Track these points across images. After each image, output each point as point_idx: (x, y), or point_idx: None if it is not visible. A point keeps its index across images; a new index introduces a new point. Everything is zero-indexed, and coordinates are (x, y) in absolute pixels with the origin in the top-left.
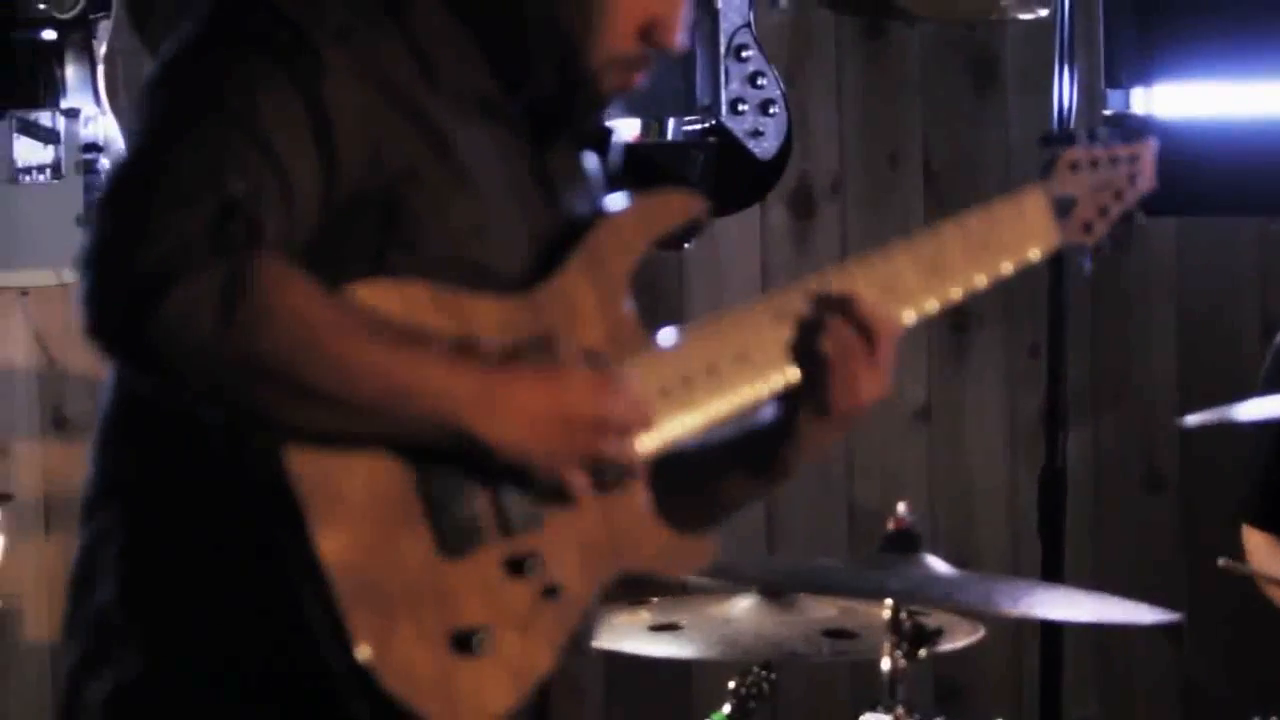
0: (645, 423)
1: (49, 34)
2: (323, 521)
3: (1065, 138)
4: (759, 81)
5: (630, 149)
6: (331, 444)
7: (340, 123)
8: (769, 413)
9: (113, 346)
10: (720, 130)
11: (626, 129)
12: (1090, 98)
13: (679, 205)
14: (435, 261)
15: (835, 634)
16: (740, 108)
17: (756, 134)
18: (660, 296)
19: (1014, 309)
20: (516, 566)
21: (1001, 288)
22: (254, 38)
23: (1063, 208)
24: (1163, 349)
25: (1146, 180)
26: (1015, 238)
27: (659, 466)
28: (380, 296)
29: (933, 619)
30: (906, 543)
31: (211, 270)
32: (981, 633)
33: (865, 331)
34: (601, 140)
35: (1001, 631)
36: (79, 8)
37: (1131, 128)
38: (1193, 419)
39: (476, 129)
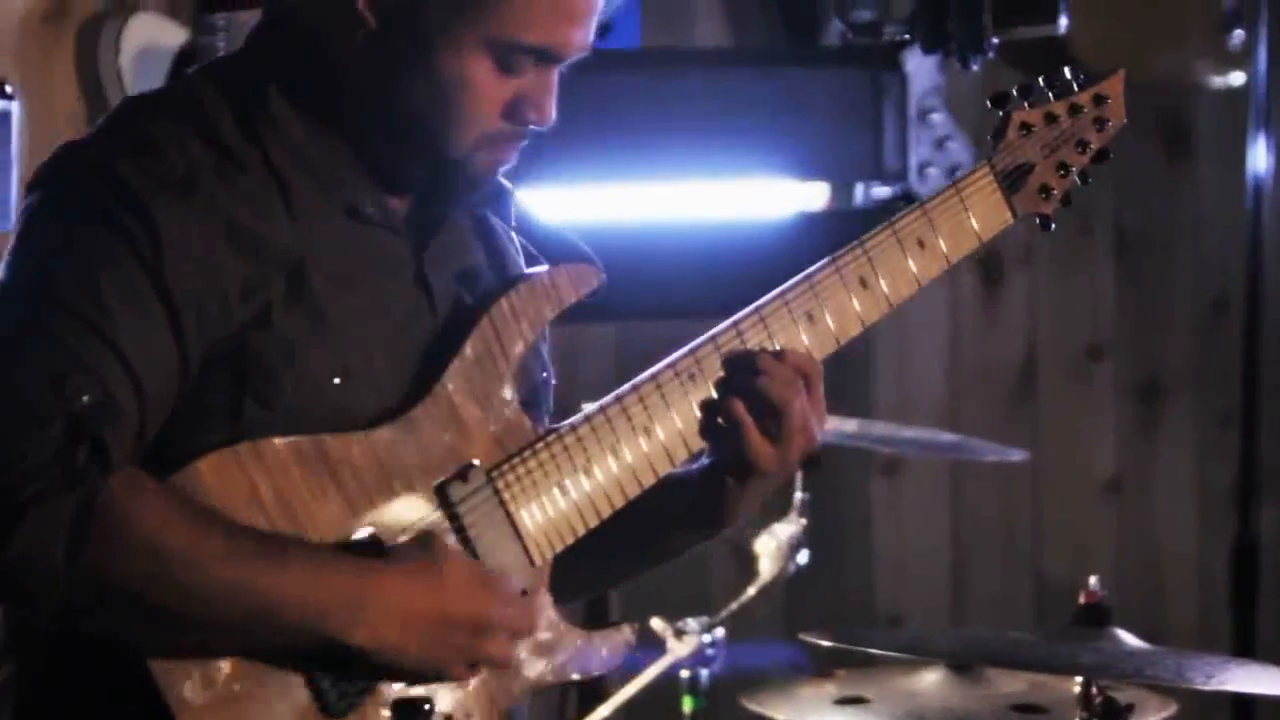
0: (529, 625)
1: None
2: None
3: (1018, 93)
4: (947, 145)
5: (525, 212)
6: (200, 657)
7: (186, 296)
8: (695, 469)
9: None
10: (908, 196)
11: (814, 194)
12: None
13: (571, 281)
14: (294, 412)
15: (1024, 709)
16: (927, 171)
17: None
18: (847, 366)
19: (1205, 378)
20: (407, 713)
21: (1193, 357)
22: (92, 209)
23: (1014, 179)
24: None
25: (1117, 119)
26: (956, 227)
27: (585, 541)
28: (227, 469)
29: (1124, 694)
30: (1097, 616)
31: (60, 503)
32: (1173, 708)
33: (799, 373)
34: (499, 199)
35: (1193, 707)
36: None
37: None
38: None
39: (344, 244)
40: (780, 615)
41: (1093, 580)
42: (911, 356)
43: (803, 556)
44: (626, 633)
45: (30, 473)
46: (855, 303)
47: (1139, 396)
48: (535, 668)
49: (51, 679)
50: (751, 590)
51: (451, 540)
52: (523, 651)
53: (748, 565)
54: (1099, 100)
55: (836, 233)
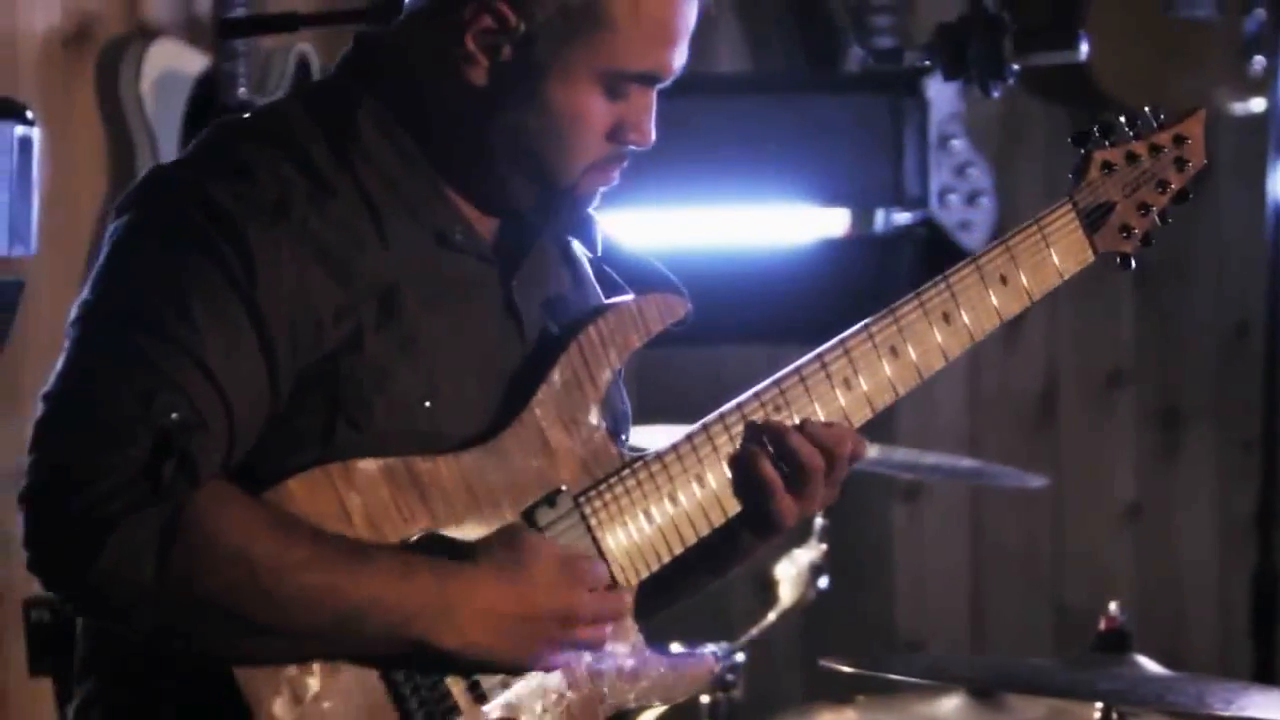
0: (617, 611)
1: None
2: None
3: (1099, 132)
4: (967, 172)
5: (611, 240)
6: (289, 663)
7: (278, 319)
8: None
9: (57, 589)
10: (929, 222)
11: (835, 221)
12: None
13: (658, 310)
14: (384, 435)
15: None
16: (948, 198)
17: (965, 225)
18: None
19: (1226, 404)
20: None
21: (1213, 383)
22: (185, 230)
23: (1095, 218)
24: None
25: (1197, 160)
26: (1038, 264)
27: None
28: (317, 488)
29: None
30: (1118, 642)
31: (148, 516)
32: None
33: (826, 454)
34: (585, 228)
35: None
36: (280, 94)
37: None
38: None
39: (433, 270)
40: (800, 641)
41: (1113, 606)
42: (932, 383)
43: (823, 582)
44: (710, 661)
45: (118, 487)
46: (938, 337)
47: (1159, 423)
48: (620, 693)
49: (134, 697)
50: (772, 616)
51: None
52: (608, 678)
53: (768, 591)
54: (1179, 140)
55: (857, 259)
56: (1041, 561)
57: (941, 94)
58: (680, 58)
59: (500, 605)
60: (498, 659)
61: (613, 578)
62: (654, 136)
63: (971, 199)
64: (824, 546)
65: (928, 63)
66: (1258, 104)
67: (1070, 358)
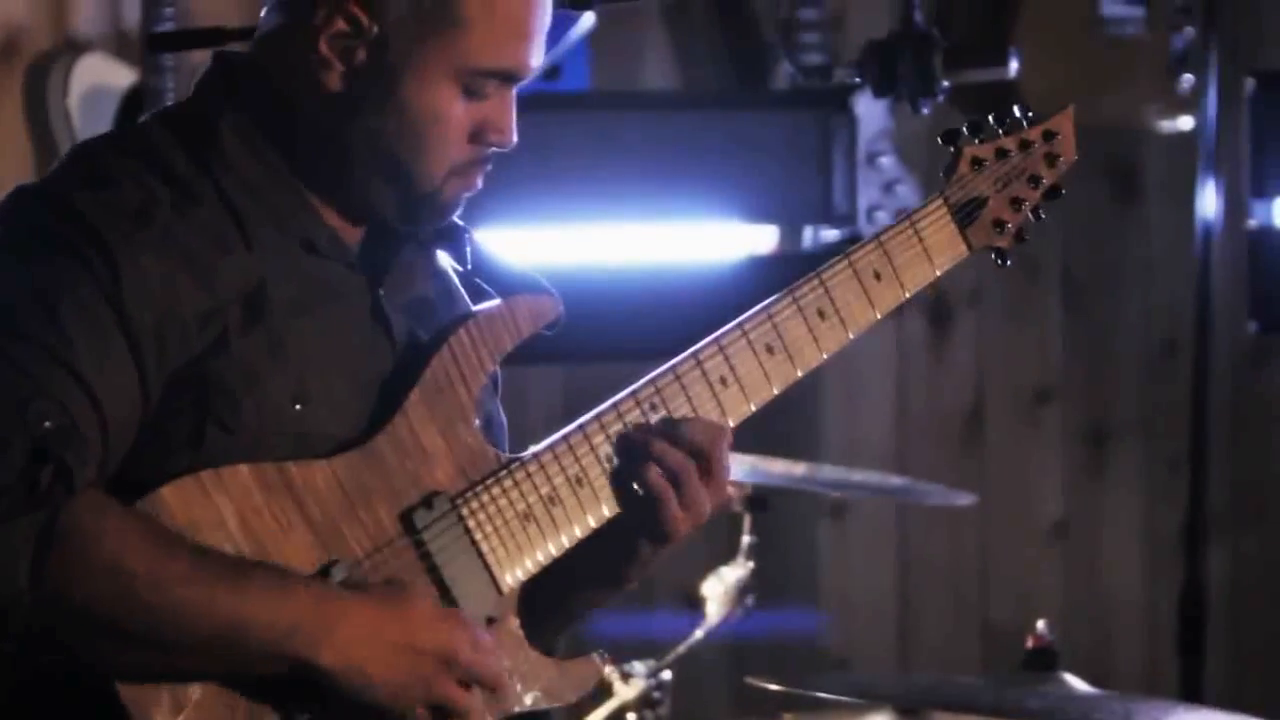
0: (495, 675)
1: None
2: None
3: (969, 129)
4: (895, 189)
5: (481, 248)
6: (167, 680)
7: (145, 324)
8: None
9: None
10: (856, 239)
11: (763, 237)
12: (1233, 207)
13: (529, 312)
14: (255, 438)
15: None
16: (876, 215)
17: None
18: (795, 409)
19: (1153, 422)
20: None
21: (1141, 401)
22: (49, 240)
23: (967, 213)
24: None
25: (1068, 155)
26: (912, 259)
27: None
28: (191, 496)
29: None
30: (1045, 661)
31: (23, 523)
32: None
33: (696, 455)
34: (455, 238)
35: None
36: None
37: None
38: None
39: (300, 276)
40: (727, 659)
41: (1040, 624)
42: (859, 400)
43: (750, 600)
44: (597, 662)
45: None
46: (813, 334)
47: (1087, 440)
48: (508, 696)
49: (13, 710)
50: (699, 633)
51: (422, 579)
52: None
53: (695, 608)
54: (1049, 136)
55: (785, 276)
56: (968, 579)
57: (870, 111)
58: (537, 55)
59: (380, 630)
60: (374, 685)
61: (494, 582)
62: (515, 137)
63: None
64: (751, 564)
65: (857, 79)
66: (1186, 122)
67: (998, 375)
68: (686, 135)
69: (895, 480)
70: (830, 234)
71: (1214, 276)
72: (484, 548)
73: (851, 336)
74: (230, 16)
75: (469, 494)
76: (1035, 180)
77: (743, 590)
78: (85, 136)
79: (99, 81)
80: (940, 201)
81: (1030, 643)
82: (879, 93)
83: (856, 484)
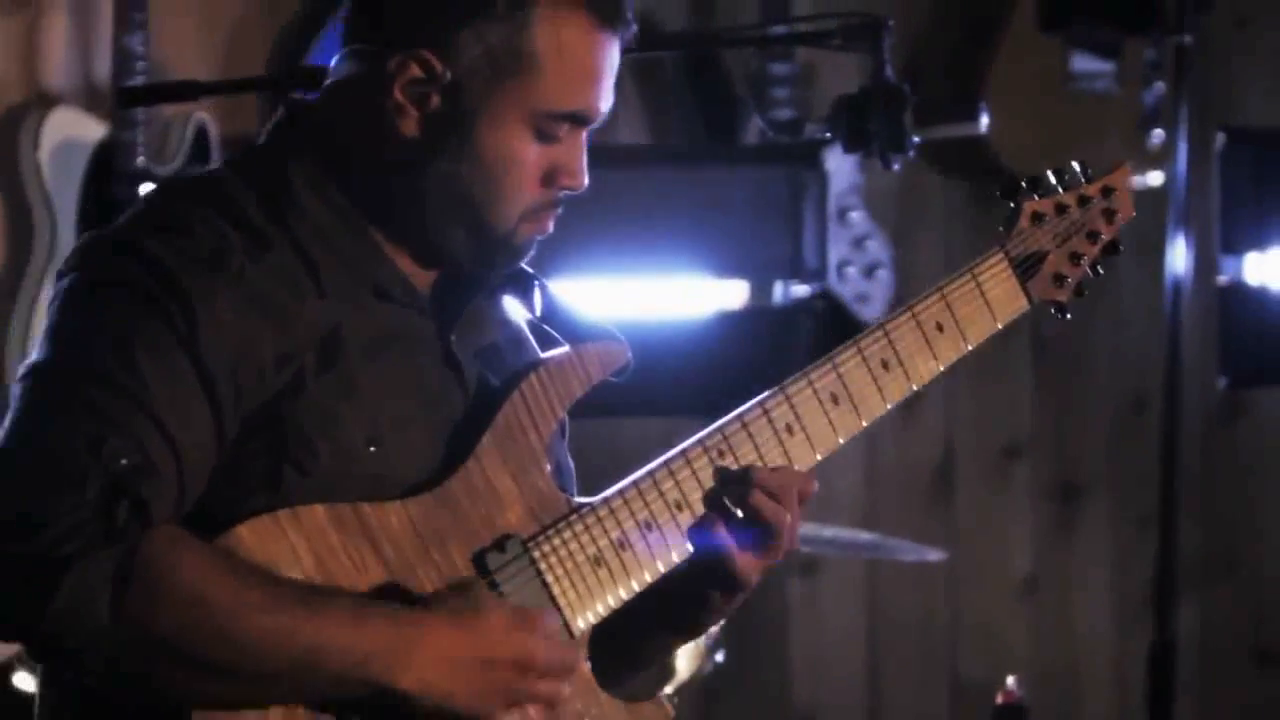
0: (571, 663)
1: (148, 189)
2: None
3: (1028, 185)
4: (865, 244)
5: (552, 296)
6: (245, 708)
7: (221, 366)
8: (682, 570)
9: (10, 633)
10: (826, 295)
11: (733, 293)
12: (1203, 263)
13: (599, 359)
14: (331, 480)
15: None
16: (846, 271)
17: (862, 298)
18: None
19: (1123, 479)
20: None
21: (1110, 457)
22: (125, 285)
23: (1028, 267)
24: (1275, 520)
25: (1125, 212)
26: (974, 312)
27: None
28: (267, 534)
29: None
30: (1015, 717)
31: (102, 557)
32: None
33: (774, 498)
34: (525, 287)
35: None
36: (178, 162)
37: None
38: None
39: (373, 321)
40: (697, 715)
41: (1010, 680)
42: (830, 455)
43: (719, 656)
44: (666, 706)
45: (72, 529)
46: (878, 385)
47: (1056, 496)
48: None
49: None
50: (668, 689)
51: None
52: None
53: (664, 664)
54: (1107, 192)
55: (755, 331)
56: (938, 635)
57: (840, 166)
58: (607, 99)
59: (456, 649)
60: (455, 704)
61: (566, 625)
62: (586, 180)
63: (869, 272)
64: (720, 620)
65: (827, 134)
66: (1156, 178)
67: (967, 431)
68: (657, 190)
69: (865, 536)
70: (800, 289)
71: (1184, 332)
72: (556, 590)
73: (914, 388)
74: (201, 71)
75: (541, 537)
76: (1094, 236)
77: (712, 646)
78: (55, 191)
79: (70, 135)
80: (1001, 255)
81: (1000, 699)
82: (849, 148)
83: (827, 540)
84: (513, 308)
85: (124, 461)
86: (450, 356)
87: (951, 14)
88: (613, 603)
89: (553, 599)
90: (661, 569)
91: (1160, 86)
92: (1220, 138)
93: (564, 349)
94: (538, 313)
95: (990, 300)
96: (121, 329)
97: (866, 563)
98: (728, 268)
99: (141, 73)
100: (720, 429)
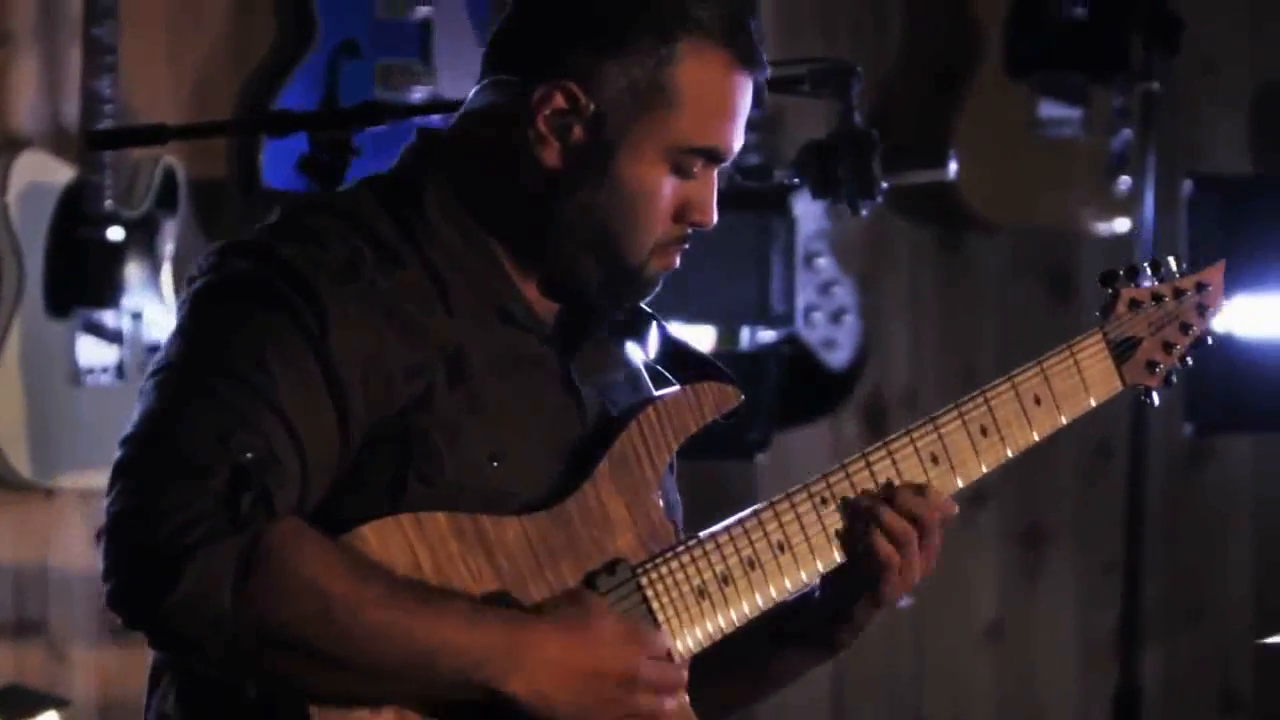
0: (676, 682)
1: (115, 232)
2: None
3: (1125, 274)
4: (832, 290)
5: (668, 336)
6: (359, 704)
7: (350, 371)
8: (819, 590)
9: (133, 620)
10: (794, 340)
11: (701, 338)
12: None
13: (713, 399)
14: (454, 491)
15: None
16: (813, 316)
17: (829, 344)
18: (732, 508)
19: (1087, 524)
20: None
21: (1075, 503)
22: (259, 288)
23: (1123, 350)
24: (1239, 567)
25: (1216, 307)
26: (1071, 389)
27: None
28: (390, 536)
29: None
30: None
31: (225, 545)
32: None
33: (917, 523)
34: (640, 329)
35: None
36: (146, 205)
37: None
38: (1271, 639)
39: (497, 343)
40: None
41: None
42: None
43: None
44: None
45: (196, 518)
46: (975, 450)
47: (1022, 542)
48: None
49: None
50: None
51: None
52: None
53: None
54: (1201, 287)
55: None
56: (903, 681)
57: (808, 212)
58: (740, 138)
59: (566, 658)
60: (561, 711)
61: (670, 657)
62: (716, 218)
63: (836, 317)
64: None
65: (795, 180)
66: (1122, 224)
67: None
68: None
69: None
70: (767, 334)
71: None
72: (660, 617)
73: (1010, 455)
74: (169, 114)
75: (649, 564)
76: (1185, 327)
77: None
78: (23, 234)
79: (38, 178)
80: (1099, 336)
81: None
82: (817, 194)
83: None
84: (631, 349)
85: (250, 455)
86: (570, 383)
87: (919, 60)
88: (713, 632)
89: (656, 625)
90: (761, 605)
91: (1127, 133)
92: (1187, 184)
93: (682, 387)
94: (652, 354)
95: (1086, 379)
96: (254, 329)
97: None
98: (695, 313)
99: (110, 116)
100: (826, 477)
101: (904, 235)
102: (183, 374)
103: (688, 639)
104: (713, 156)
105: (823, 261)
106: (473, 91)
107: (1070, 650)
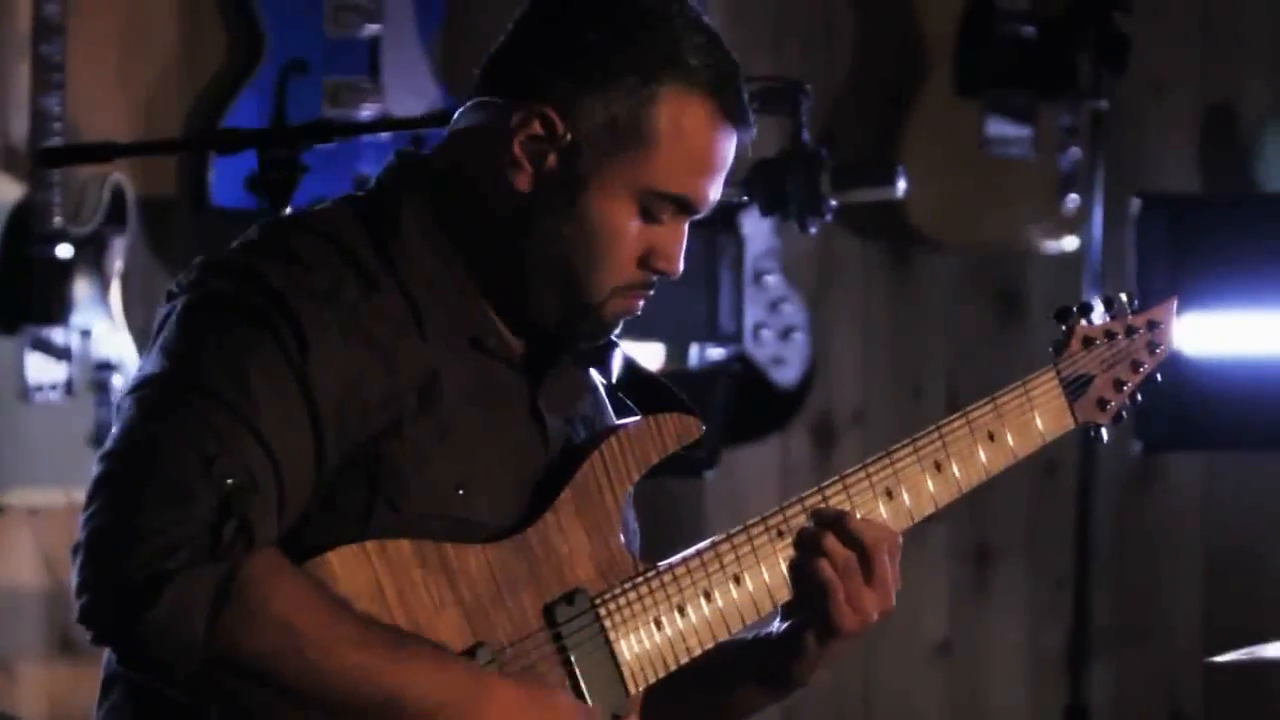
0: None
1: (64, 250)
2: None
3: (1079, 310)
4: (781, 307)
5: (631, 363)
6: None
7: (328, 397)
8: (777, 624)
9: (104, 638)
10: (742, 358)
11: (650, 355)
12: None
13: (675, 429)
14: (420, 518)
15: None
16: (762, 334)
17: (778, 361)
18: (680, 526)
19: (1038, 542)
20: None
21: (1024, 520)
22: (242, 308)
23: (1076, 388)
24: (1188, 585)
25: (1167, 346)
26: (1024, 425)
27: (665, 685)
28: (355, 562)
29: None
30: None
31: (205, 573)
32: None
33: (860, 550)
34: (603, 355)
35: None
36: (95, 223)
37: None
38: (1219, 657)
39: (468, 370)
40: None
41: None
42: (743, 518)
43: None
44: None
45: (177, 543)
46: (930, 484)
47: (971, 560)
48: None
49: None
50: None
51: (557, 671)
52: None
53: None
54: (1152, 325)
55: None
56: (853, 700)
57: (757, 229)
58: (716, 192)
59: (525, 715)
60: None
61: (625, 688)
62: (681, 268)
63: (785, 335)
64: None
65: (745, 198)
66: (1071, 242)
67: None
68: None
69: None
70: (716, 352)
71: None
72: (617, 648)
73: (963, 490)
74: (118, 132)
75: (608, 594)
76: (1137, 365)
77: None
78: None
79: None
80: (1053, 374)
81: None
82: (766, 211)
83: None
84: (596, 374)
85: (232, 481)
86: (537, 412)
87: (868, 79)
88: (670, 665)
89: (613, 656)
90: (716, 637)
91: (1075, 151)
92: (1135, 203)
93: (644, 417)
94: (614, 378)
95: (1039, 416)
96: (236, 348)
97: None
98: (644, 330)
99: (58, 134)
100: (782, 510)
101: (853, 253)
102: (165, 392)
103: (645, 671)
104: (683, 206)
105: (772, 279)
106: (458, 111)
107: (1019, 668)
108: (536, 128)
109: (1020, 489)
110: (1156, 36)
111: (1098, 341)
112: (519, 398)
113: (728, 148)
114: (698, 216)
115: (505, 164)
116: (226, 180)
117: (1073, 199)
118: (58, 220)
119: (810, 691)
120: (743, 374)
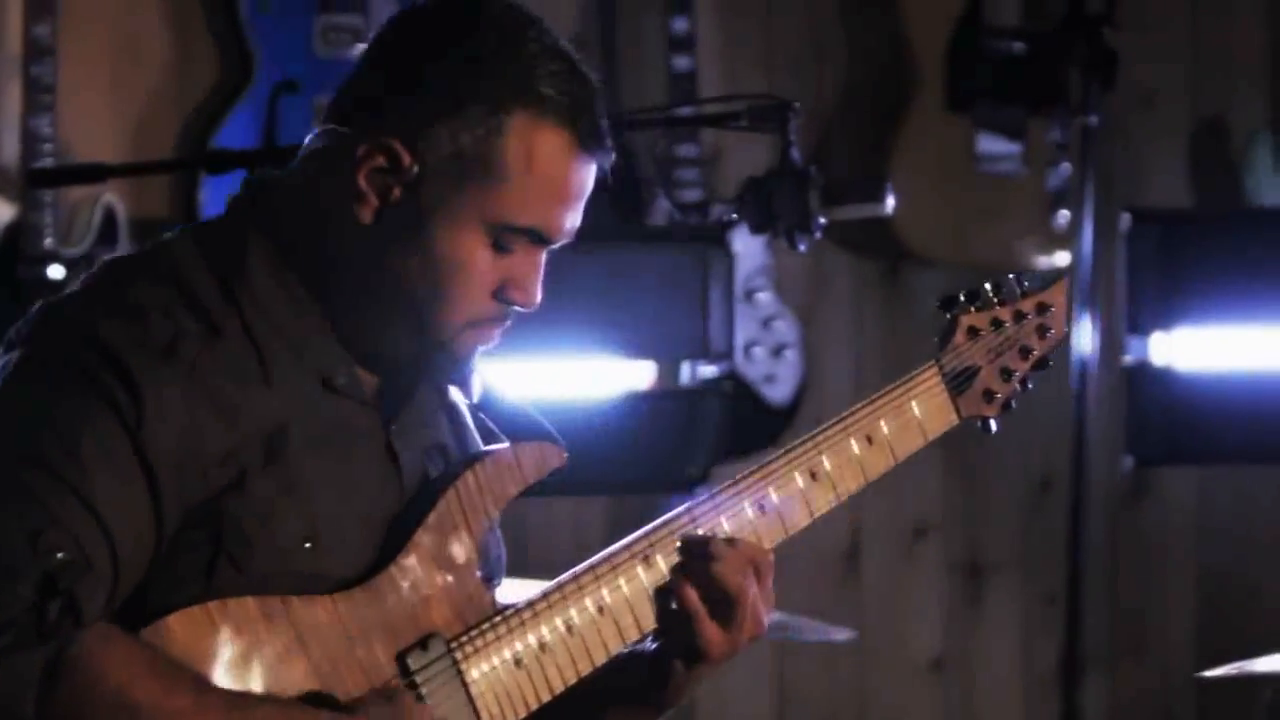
0: None
1: (55, 271)
2: None
3: (966, 298)
4: (773, 325)
5: (490, 393)
6: None
7: (166, 462)
8: (649, 643)
9: None
10: (733, 375)
11: (640, 373)
12: (1109, 343)
13: (534, 459)
14: (265, 574)
15: None
16: (753, 351)
17: (770, 379)
18: None
19: (1031, 557)
20: None
21: (1018, 536)
22: (76, 369)
23: (960, 382)
24: (1181, 599)
25: (1058, 328)
26: (903, 426)
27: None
28: (197, 625)
29: None
30: None
31: (32, 655)
32: None
33: (727, 576)
34: (463, 374)
35: None
36: (86, 244)
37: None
38: (1211, 672)
39: (317, 415)
40: None
41: None
42: None
43: None
44: None
45: (3, 625)
46: (805, 494)
47: (964, 575)
48: None
49: None
50: None
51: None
52: None
53: None
54: (1042, 308)
55: (662, 412)
56: (846, 715)
57: (748, 247)
58: (573, 220)
59: None
60: None
61: None
62: (539, 298)
63: (776, 352)
64: None
65: (735, 215)
66: (1062, 258)
67: (874, 510)
68: (564, 270)
69: (772, 616)
70: (707, 370)
71: (1090, 412)
72: (474, 691)
73: (840, 499)
74: (110, 153)
75: (464, 637)
76: (1026, 351)
77: None
78: None
79: None
80: (935, 369)
81: None
82: (756, 229)
83: None
84: (457, 396)
85: (60, 555)
86: (391, 450)
87: (858, 95)
88: (532, 703)
89: (471, 700)
90: (580, 672)
91: (1066, 167)
92: (1125, 218)
93: (501, 447)
94: (475, 400)
95: (920, 414)
96: (68, 415)
97: (774, 643)
98: (635, 349)
99: (49, 154)
100: (648, 534)
101: (844, 269)
102: None
103: (505, 713)
104: (535, 237)
105: (763, 296)
106: (307, 139)
107: (1012, 683)
108: (380, 160)
109: (1013, 504)
110: (1146, 51)
111: (983, 331)
112: (372, 437)
113: (583, 177)
114: (554, 246)
115: (350, 195)
116: (218, 200)
117: (1063, 214)
118: (49, 241)
119: (804, 707)
120: (734, 392)
